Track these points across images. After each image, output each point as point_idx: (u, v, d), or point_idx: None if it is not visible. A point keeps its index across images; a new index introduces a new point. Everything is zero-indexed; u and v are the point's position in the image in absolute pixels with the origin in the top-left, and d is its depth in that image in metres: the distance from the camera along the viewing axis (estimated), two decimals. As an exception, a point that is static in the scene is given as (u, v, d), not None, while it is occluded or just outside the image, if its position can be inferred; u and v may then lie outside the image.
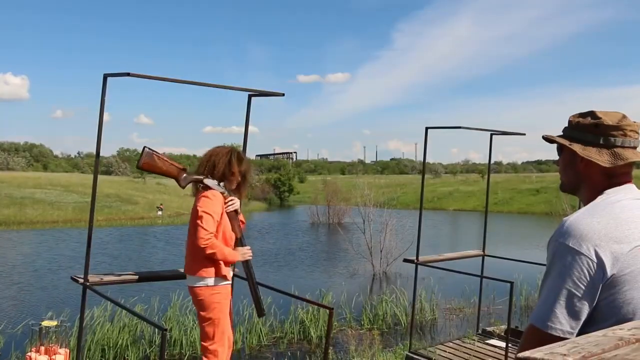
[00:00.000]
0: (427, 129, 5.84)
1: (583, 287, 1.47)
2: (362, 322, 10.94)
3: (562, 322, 1.48)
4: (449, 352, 6.12)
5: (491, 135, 6.48)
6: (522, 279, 12.42)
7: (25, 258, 19.81)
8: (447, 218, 44.50)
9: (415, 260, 5.95)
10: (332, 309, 3.84)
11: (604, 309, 1.50)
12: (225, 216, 3.72)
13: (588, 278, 1.47)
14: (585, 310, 1.48)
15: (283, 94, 4.19)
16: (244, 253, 3.82)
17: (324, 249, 23.94)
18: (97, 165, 3.91)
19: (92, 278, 3.85)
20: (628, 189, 1.66)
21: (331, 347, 8.80)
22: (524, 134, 6.50)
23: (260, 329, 9.84)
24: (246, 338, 9.59)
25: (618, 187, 1.64)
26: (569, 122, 1.73)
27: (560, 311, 1.49)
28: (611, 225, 1.51)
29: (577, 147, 1.66)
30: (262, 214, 46.09)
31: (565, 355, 1.02)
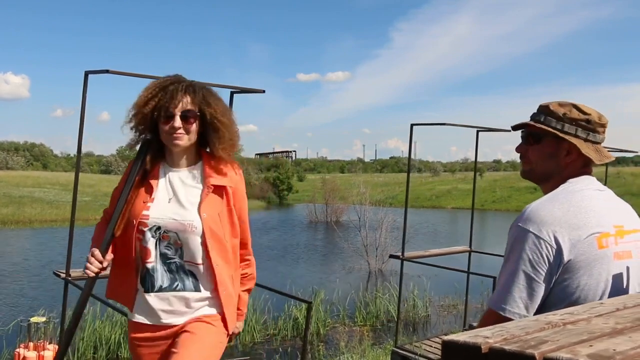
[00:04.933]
0: (412, 125, 5.87)
1: (541, 271, 1.51)
2: (356, 319, 10.97)
3: (519, 305, 1.53)
4: (434, 347, 6.16)
5: (477, 132, 6.52)
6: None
7: (20, 256, 19.82)
8: (445, 216, 44.49)
9: (401, 256, 5.99)
10: (310, 302, 3.87)
11: (557, 293, 1.54)
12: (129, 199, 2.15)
13: (546, 262, 1.51)
14: (541, 293, 1.52)
15: (264, 91, 4.19)
16: (89, 261, 2.09)
17: (321, 247, 23.97)
18: (79, 162, 3.95)
19: (74, 273, 3.88)
20: (589, 179, 1.71)
21: (323, 344, 8.84)
22: (510, 130, 6.53)
23: (254, 326, 9.87)
24: (239, 335, 9.60)
25: (579, 177, 1.69)
26: (551, 111, 1.71)
27: (518, 295, 1.53)
28: (571, 213, 1.55)
29: (578, 143, 1.67)
30: (261, 213, 46.04)
31: (487, 337, 1.04)
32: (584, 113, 1.69)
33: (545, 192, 1.72)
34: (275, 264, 18.51)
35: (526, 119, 1.82)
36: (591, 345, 0.94)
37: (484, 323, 1.57)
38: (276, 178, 66.45)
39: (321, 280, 15.09)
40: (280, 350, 9.19)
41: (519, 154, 1.81)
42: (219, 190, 2.18)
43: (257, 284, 4.65)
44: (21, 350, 5.42)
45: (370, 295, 12.13)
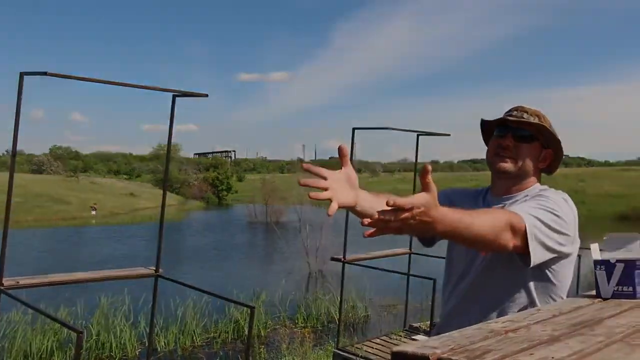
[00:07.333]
0: (354, 129, 5.95)
1: (562, 238, 1.62)
2: (297, 321, 10.97)
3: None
4: (375, 348, 6.26)
5: (417, 135, 6.67)
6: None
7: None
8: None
9: (342, 259, 6.05)
10: (254, 307, 3.85)
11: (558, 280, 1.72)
12: None
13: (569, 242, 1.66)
14: (554, 247, 1.61)
15: (207, 95, 4.15)
16: None
17: (261, 248, 23.89)
18: (13, 166, 3.80)
19: (7, 282, 3.73)
20: None
21: (264, 346, 8.81)
22: (449, 135, 6.74)
23: (194, 329, 9.73)
24: (179, 339, 9.45)
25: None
26: (545, 119, 1.81)
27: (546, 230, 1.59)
28: None
29: (558, 155, 1.86)
30: (200, 213, 45.57)
31: (435, 348, 1.08)
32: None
33: (508, 188, 1.83)
34: (215, 264, 18.35)
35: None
36: (532, 354, 0.99)
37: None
38: (215, 178, 65.69)
39: (261, 282, 15.02)
40: (221, 353, 9.09)
41: (497, 145, 1.80)
42: None
43: (198, 289, 4.63)
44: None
45: (311, 297, 12.17)
